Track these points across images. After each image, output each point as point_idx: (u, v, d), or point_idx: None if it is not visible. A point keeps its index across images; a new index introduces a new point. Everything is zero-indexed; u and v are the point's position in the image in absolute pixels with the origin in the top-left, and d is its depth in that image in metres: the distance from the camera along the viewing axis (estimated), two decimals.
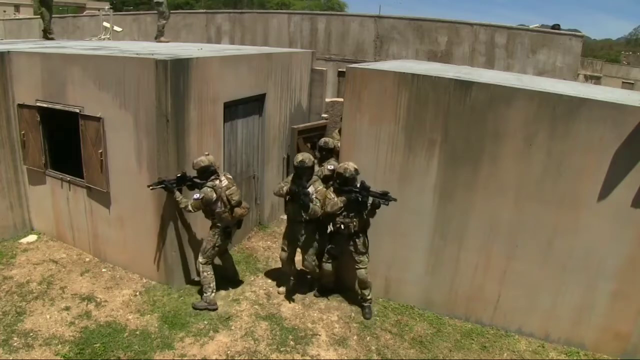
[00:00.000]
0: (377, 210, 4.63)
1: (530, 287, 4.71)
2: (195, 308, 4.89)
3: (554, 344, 4.76)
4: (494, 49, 10.59)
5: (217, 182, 4.59)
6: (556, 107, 4.21)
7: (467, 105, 4.49)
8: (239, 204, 4.69)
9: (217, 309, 4.90)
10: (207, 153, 4.75)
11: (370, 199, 4.55)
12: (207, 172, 4.62)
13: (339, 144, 6.00)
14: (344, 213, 4.68)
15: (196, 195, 4.60)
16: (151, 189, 4.69)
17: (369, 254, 4.89)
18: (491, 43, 10.58)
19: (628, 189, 4.16)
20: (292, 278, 5.27)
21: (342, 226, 4.71)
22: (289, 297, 5.21)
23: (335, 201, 4.66)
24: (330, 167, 5.18)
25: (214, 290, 4.91)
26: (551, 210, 4.43)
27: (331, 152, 5.65)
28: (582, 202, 4.33)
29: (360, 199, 4.54)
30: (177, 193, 4.70)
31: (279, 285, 5.43)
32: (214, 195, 4.55)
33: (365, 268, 4.87)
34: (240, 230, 6.44)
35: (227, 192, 4.59)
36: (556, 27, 10.66)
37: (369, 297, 5.01)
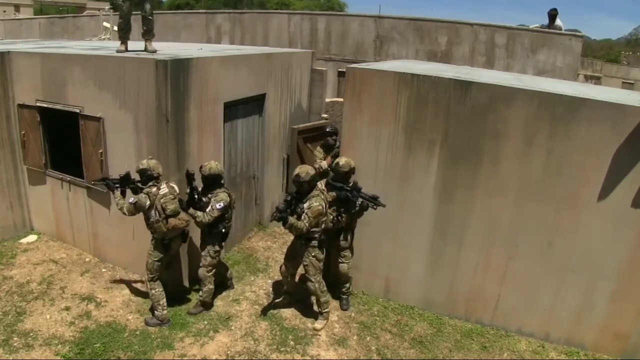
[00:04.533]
0: (364, 212, 4.64)
1: (530, 287, 4.71)
2: (147, 324, 4.67)
3: (554, 344, 4.76)
4: (494, 49, 10.57)
5: (154, 189, 4.36)
6: (556, 107, 4.21)
7: (467, 105, 4.49)
8: (174, 214, 4.39)
9: (170, 324, 4.68)
10: (150, 157, 4.56)
11: (360, 200, 4.55)
12: (144, 176, 4.40)
13: (323, 164, 5.67)
14: (333, 207, 4.70)
15: (131, 199, 4.38)
16: (92, 184, 4.73)
17: (352, 249, 4.99)
18: (491, 43, 10.56)
19: (628, 189, 4.16)
20: (286, 293, 5.13)
21: (338, 218, 4.71)
22: (283, 306, 5.12)
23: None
24: (219, 205, 4.47)
25: (165, 307, 4.66)
26: (551, 210, 4.43)
27: (217, 182, 4.66)
28: (582, 202, 4.32)
29: (349, 198, 4.57)
30: (117, 193, 4.47)
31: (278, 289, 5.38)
32: (148, 201, 4.32)
33: (348, 263, 4.99)
34: (240, 230, 6.48)
35: (161, 201, 4.33)
36: (553, 11, 10.28)
37: (348, 291, 5.17)
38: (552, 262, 4.56)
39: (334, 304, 5.17)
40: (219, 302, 5.11)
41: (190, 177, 4.42)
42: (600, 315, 4.54)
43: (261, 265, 6.00)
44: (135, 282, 5.35)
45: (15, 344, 4.29)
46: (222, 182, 4.71)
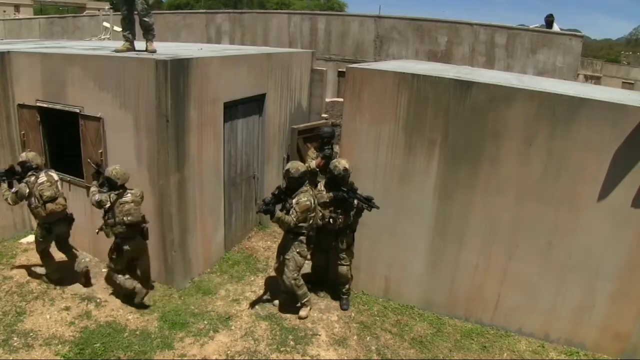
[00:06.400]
0: (362, 213, 4.68)
1: (530, 287, 4.71)
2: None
3: (554, 344, 4.76)
4: (494, 49, 10.59)
5: (33, 178, 4.70)
6: (556, 107, 4.21)
7: (467, 105, 4.48)
8: (51, 200, 4.67)
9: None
10: (29, 149, 5.09)
11: (356, 201, 4.60)
12: (24, 167, 4.76)
13: (312, 164, 5.66)
14: (331, 208, 4.72)
15: (13, 189, 4.75)
16: None
17: (352, 250, 4.99)
18: (491, 43, 10.58)
19: (628, 189, 4.16)
20: (283, 292, 5.05)
21: (330, 220, 4.73)
22: (282, 309, 5.06)
23: (322, 194, 4.76)
24: (96, 197, 4.59)
25: (51, 272, 5.16)
26: (551, 210, 4.43)
27: (113, 186, 4.63)
28: (582, 202, 4.32)
29: (345, 198, 4.60)
30: (4, 185, 4.82)
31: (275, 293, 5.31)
32: (27, 190, 4.68)
33: (347, 265, 4.99)
34: (240, 230, 6.49)
35: (39, 188, 4.64)
36: (550, 18, 10.34)
37: (348, 291, 5.18)
38: (552, 262, 4.56)
39: (334, 304, 5.17)
40: (218, 302, 5.11)
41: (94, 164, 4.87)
42: (600, 315, 4.54)
43: (261, 265, 6.01)
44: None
45: (15, 343, 4.29)
46: (124, 186, 4.65)
